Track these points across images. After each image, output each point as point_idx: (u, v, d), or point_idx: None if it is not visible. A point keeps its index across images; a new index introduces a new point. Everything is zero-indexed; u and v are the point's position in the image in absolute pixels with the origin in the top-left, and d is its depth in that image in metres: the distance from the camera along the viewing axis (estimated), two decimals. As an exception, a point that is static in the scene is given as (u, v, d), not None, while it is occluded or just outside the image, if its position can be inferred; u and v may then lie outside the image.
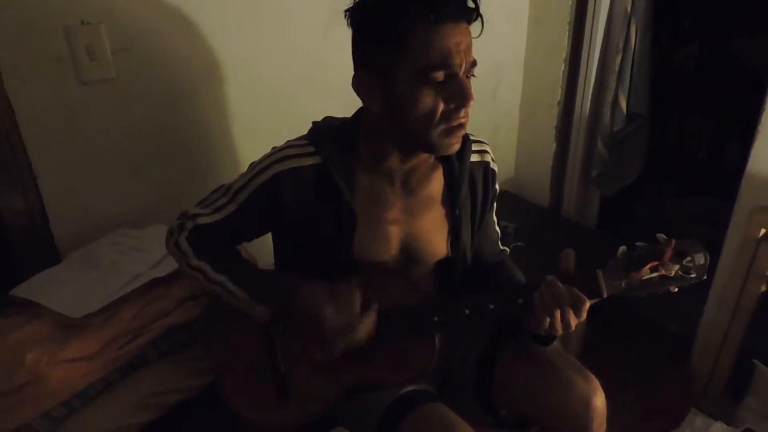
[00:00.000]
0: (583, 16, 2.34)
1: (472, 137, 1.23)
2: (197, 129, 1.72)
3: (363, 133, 1.14)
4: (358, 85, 1.06)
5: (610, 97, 2.34)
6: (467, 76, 1.02)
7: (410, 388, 1.17)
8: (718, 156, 3.25)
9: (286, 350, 1.19)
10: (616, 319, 2.13)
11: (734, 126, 3.13)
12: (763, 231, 1.76)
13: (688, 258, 1.03)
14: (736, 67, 2.94)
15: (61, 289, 1.34)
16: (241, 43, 1.70)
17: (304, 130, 1.18)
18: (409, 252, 1.20)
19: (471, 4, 1.00)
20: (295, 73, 1.85)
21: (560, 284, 1.03)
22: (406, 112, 1.01)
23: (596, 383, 1.18)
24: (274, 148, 1.16)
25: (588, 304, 1.03)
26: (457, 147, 1.07)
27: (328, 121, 1.20)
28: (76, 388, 1.23)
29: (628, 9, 2.21)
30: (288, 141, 1.16)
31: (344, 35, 1.08)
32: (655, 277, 1.04)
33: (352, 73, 1.07)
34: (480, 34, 1.04)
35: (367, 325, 1.09)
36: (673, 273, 1.03)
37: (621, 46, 2.25)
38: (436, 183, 1.20)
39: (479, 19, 1.02)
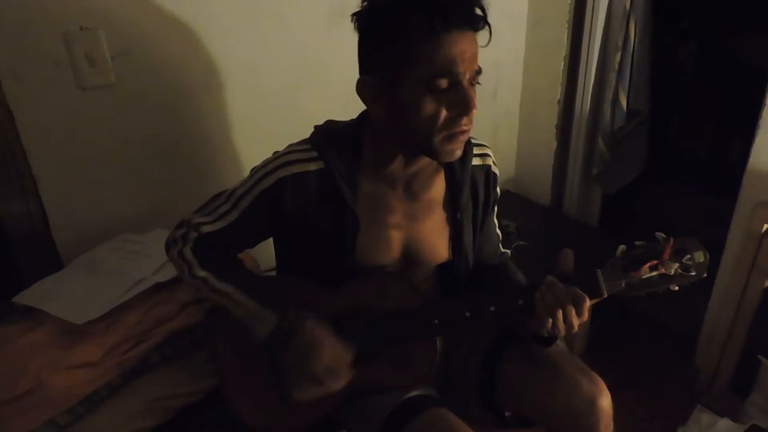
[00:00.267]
0: (582, 14, 2.34)
1: (473, 140, 1.23)
2: (198, 133, 1.72)
3: (366, 137, 1.14)
4: (362, 90, 1.06)
5: (610, 95, 2.34)
6: (471, 84, 1.02)
7: (413, 393, 1.16)
8: (719, 153, 3.25)
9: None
10: (619, 318, 2.13)
11: (735, 122, 3.13)
12: (765, 226, 1.76)
13: (688, 256, 1.03)
14: (735, 64, 2.95)
15: (63, 295, 1.34)
16: (241, 46, 1.70)
17: (304, 133, 1.18)
18: (411, 256, 1.20)
19: (479, 13, 0.99)
20: (296, 76, 1.84)
21: (560, 284, 1.03)
22: (409, 118, 1.01)
23: (602, 384, 1.18)
24: (276, 152, 1.16)
25: (589, 302, 1.02)
26: (459, 153, 1.07)
27: (331, 125, 1.19)
28: (81, 395, 1.23)
29: (627, 6, 2.20)
30: (290, 145, 1.16)
31: (344, 37, 1.07)
32: (654, 275, 1.03)
33: (353, 75, 1.06)
34: (488, 44, 1.03)
35: (345, 380, 1.12)
36: (672, 271, 1.03)
37: (620, 43, 2.25)
38: (438, 187, 1.20)
39: (486, 27, 1.01)
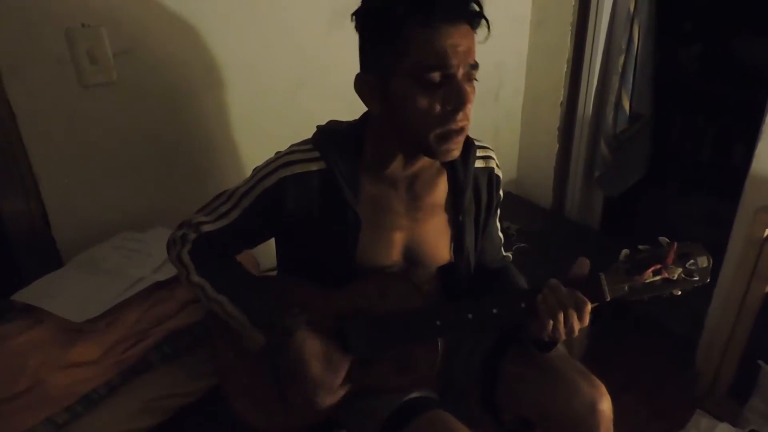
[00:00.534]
0: (585, 17, 2.33)
1: (477, 143, 1.23)
2: (199, 132, 1.72)
3: (367, 137, 1.13)
4: (359, 86, 1.06)
5: (613, 98, 2.33)
6: (469, 80, 1.01)
7: (413, 394, 1.16)
8: (722, 156, 3.24)
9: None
10: (619, 321, 2.12)
11: (737, 126, 3.13)
12: (767, 231, 1.75)
13: (691, 261, 1.03)
14: (739, 67, 2.94)
15: (63, 294, 1.34)
16: (243, 45, 1.70)
17: (306, 133, 1.18)
18: (412, 257, 1.20)
19: (474, 7, 0.98)
20: (297, 76, 1.84)
21: (563, 287, 1.03)
22: (404, 114, 1.01)
23: (602, 388, 1.17)
24: (278, 152, 1.15)
25: (590, 306, 1.02)
26: (456, 153, 1.06)
27: (333, 125, 1.19)
28: (79, 394, 1.23)
29: (631, 9, 2.20)
30: (292, 145, 1.16)
31: (346, 37, 1.07)
32: (658, 280, 1.03)
33: (354, 75, 1.06)
34: (486, 39, 1.02)
35: (337, 396, 1.13)
36: (676, 276, 1.02)
37: (624, 46, 2.24)
38: (441, 189, 1.20)
39: (484, 22, 1.01)
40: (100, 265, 1.42)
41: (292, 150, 1.14)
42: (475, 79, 1.02)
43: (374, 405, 1.16)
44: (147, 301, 1.36)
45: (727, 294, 1.92)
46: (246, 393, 1.22)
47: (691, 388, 2.09)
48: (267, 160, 1.15)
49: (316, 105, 1.88)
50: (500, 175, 1.28)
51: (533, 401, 1.21)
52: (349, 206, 1.11)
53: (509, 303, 1.09)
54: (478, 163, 1.23)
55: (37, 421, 1.18)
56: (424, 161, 1.13)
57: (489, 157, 1.26)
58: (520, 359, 1.24)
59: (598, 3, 2.29)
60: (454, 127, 1.01)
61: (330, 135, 1.15)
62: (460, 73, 0.98)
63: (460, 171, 1.19)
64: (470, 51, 0.99)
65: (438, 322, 1.11)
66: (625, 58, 2.26)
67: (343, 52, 1.79)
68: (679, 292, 1.04)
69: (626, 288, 1.04)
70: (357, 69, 1.06)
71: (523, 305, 1.07)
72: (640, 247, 1.05)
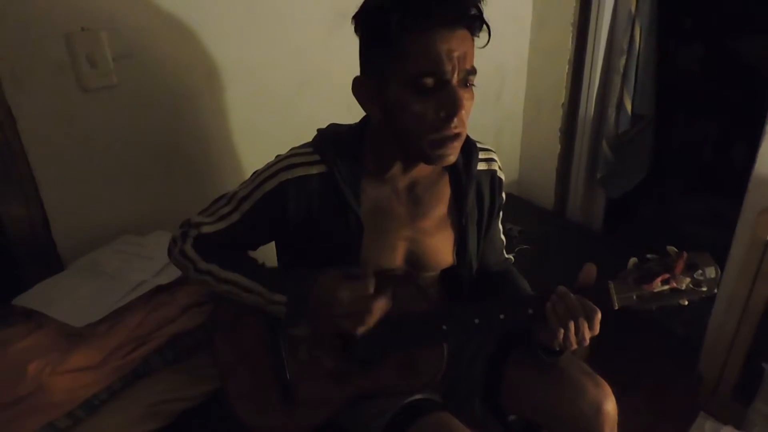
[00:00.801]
0: (586, 17, 2.33)
1: (479, 145, 1.22)
2: (199, 135, 1.71)
3: (368, 141, 1.13)
4: (356, 89, 1.05)
5: (614, 99, 2.33)
6: (466, 85, 0.99)
7: (416, 396, 1.16)
8: (725, 157, 3.24)
9: (293, 357, 1.18)
10: (623, 323, 2.11)
11: (740, 127, 3.12)
12: (770, 233, 1.75)
13: (700, 271, 1.02)
14: (741, 68, 2.94)
15: (64, 298, 1.33)
16: (243, 48, 1.69)
17: (306, 136, 1.17)
18: (415, 261, 1.19)
19: (473, 12, 0.97)
20: (297, 79, 1.84)
21: (572, 295, 1.02)
22: (398, 118, 1.00)
23: (607, 388, 1.17)
24: (278, 156, 1.15)
25: (600, 315, 1.02)
26: (452, 159, 1.04)
27: (334, 128, 1.18)
28: (80, 398, 1.22)
29: (633, 10, 2.20)
30: (292, 149, 1.15)
31: (346, 40, 1.07)
32: (666, 289, 1.03)
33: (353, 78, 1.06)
34: (486, 44, 1.01)
35: (380, 307, 1.04)
36: (684, 286, 1.02)
37: (625, 47, 2.24)
38: (443, 191, 1.19)
39: (484, 27, 0.99)
40: (101, 269, 1.42)
41: (292, 153, 1.13)
42: (473, 85, 1.01)
43: (376, 407, 1.16)
44: (148, 305, 1.36)
45: (730, 296, 1.91)
46: (247, 396, 1.21)
47: (694, 391, 2.08)
48: (267, 164, 1.14)
49: (316, 108, 1.88)
50: (503, 177, 1.27)
51: (538, 402, 1.21)
52: (352, 210, 1.11)
53: (517, 308, 1.09)
54: (481, 166, 1.22)
55: (39, 427, 1.17)
56: (424, 165, 1.13)
57: (491, 160, 1.25)
58: (524, 360, 1.24)
59: (599, 3, 2.29)
60: (448, 133, 0.99)
61: (331, 138, 1.14)
62: (455, 78, 0.96)
63: (462, 174, 1.18)
64: (467, 56, 0.97)
65: (444, 327, 1.11)
66: (627, 58, 2.26)
67: (343, 55, 1.79)
68: (686, 302, 1.03)
69: (634, 297, 1.03)
70: (357, 72, 1.06)
71: (530, 311, 1.07)
72: (649, 255, 1.04)
